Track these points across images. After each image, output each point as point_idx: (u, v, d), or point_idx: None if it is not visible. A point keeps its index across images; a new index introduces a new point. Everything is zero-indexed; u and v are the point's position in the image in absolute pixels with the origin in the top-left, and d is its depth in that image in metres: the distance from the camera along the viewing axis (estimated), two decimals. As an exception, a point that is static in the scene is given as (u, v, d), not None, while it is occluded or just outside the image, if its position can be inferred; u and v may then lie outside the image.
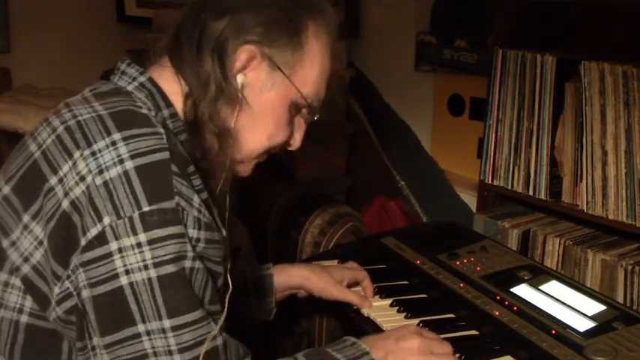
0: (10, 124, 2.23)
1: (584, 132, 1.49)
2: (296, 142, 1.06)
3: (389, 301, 1.29)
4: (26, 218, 0.88)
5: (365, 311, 1.25)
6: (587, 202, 1.49)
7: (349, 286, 1.33)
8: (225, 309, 0.92)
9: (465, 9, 2.18)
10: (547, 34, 1.76)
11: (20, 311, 0.89)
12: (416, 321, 1.20)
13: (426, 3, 2.29)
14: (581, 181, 1.51)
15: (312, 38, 0.99)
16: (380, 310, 1.27)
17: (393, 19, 2.46)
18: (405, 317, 1.23)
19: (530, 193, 1.63)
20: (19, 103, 2.31)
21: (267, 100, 0.98)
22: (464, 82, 2.20)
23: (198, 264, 0.87)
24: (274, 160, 1.10)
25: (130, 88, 0.96)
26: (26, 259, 0.88)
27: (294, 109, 1.02)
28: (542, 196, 1.60)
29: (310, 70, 1.00)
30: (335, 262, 1.47)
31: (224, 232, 0.96)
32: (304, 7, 0.98)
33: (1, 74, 2.63)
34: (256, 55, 0.96)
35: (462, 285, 1.34)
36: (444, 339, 1.14)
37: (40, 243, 0.87)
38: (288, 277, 1.31)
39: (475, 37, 2.13)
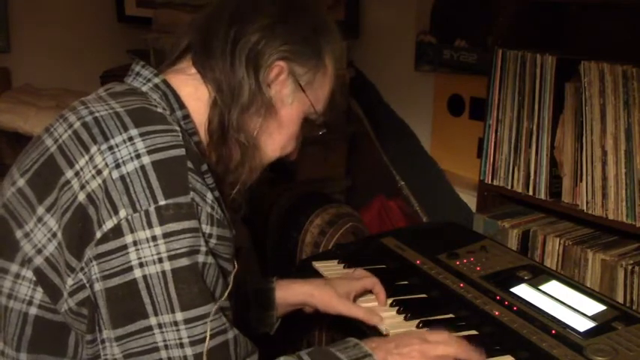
0: (10, 124, 2.23)
1: (584, 132, 1.49)
2: (295, 152, 1.11)
3: (389, 301, 1.29)
4: (40, 210, 0.89)
5: (382, 328, 1.20)
6: (587, 202, 1.50)
7: (359, 295, 1.30)
8: (230, 285, 0.93)
9: (465, 9, 2.18)
10: (547, 34, 1.76)
11: (30, 303, 0.90)
12: (416, 321, 1.20)
13: (426, 3, 2.29)
14: (581, 181, 1.51)
15: (327, 60, 1.06)
16: (379, 310, 1.26)
17: (393, 19, 2.46)
18: (405, 317, 1.23)
19: (530, 193, 1.63)
20: (19, 103, 2.31)
21: (287, 114, 1.03)
22: (464, 82, 2.20)
23: (210, 259, 0.88)
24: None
25: (144, 88, 0.98)
26: (39, 251, 0.89)
27: (304, 122, 1.07)
28: (542, 196, 1.60)
29: (322, 88, 1.07)
30: (334, 263, 1.47)
31: (233, 231, 0.97)
32: (322, 31, 1.05)
33: (1, 74, 2.63)
34: (285, 70, 1.01)
35: (462, 285, 1.34)
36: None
37: (54, 235, 0.88)
38: (290, 294, 1.29)
39: (475, 37, 2.13)
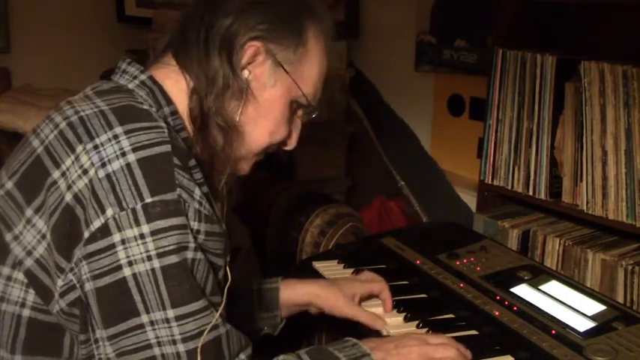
0: (10, 124, 2.23)
1: (584, 132, 1.49)
2: (292, 141, 1.08)
3: (389, 301, 1.29)
4: (29, 212, 0.89)
5: (384, 331, 1.20)
6: (587, 202, 1.49)
7: (365, 299, 1.28)
8: (224, 300, 0.93)
9: (465, 9, 2.18)
10: (547, 34, 1.76)
11: (22, 305, 0.90)
12: (416, 321, 1.20)
13: (426, 3, 2.29)
14: (581, 181, 1.51)
15: (312, 39, 1.02)
16: (384, 315, 1.25)
17: (393, 19, 2.46)
18: (405, 317, 1.23)
19: (530, 193, 1.63)
20: (18, 103, 2.31)
21: (270, 96, 1.01)
22: (464, 82, 2.20)
23: (199, 255, 0.88)
24: (274, 159, 1.11)
25: (130, 86, 0.97)
26: (29, 253, 0.89)
27: (294, 107, 1.05)
28: (542, 196, 1.60)
29: (309, 69, 1.03)
30: (334, 263, 1.47)
31: (223, 226, 0.97)
32: (304, 10, 1.02)
33: (1, 74, 2.63)
34: (261, 51, 0.99)
35: (462, 285, 1.34)
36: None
37: (43, 236, 0.87)
38: (295, 294, 1.28)
39: (475, 37, 2.13)
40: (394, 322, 1.22)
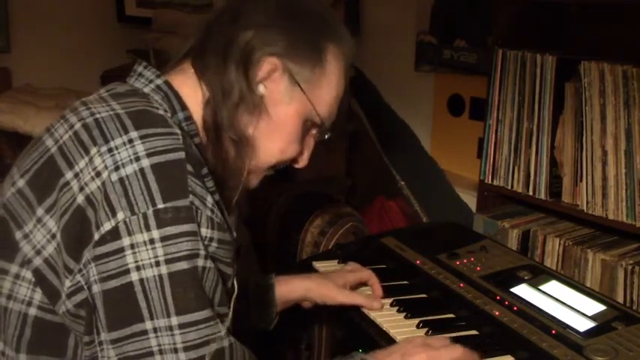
0: (10, 124, 2.23)
1: (584, 132, 1.49)
2: (304, 160, 1.08)
3: (389, 301, 1.29)
4: (40, 211, 0.89)
5: (371, 313, 1.24)
6: (587, 202, 1.50)
7: (354, 287, 1.32)
8: (231, 311, 0.93)
9: (465, 9, 2.18)
10: (547, 34, 1.76)
11: (29, 304, 0.90)
12: (416, 321, 1.21)
13: (426, 3, 2.29)
14: (581, 181, 1.51)
15: (331, 59, 1.02)
16: (380, 310, 1.26)
17: (393, 19, 2.46)
18: (405, 317, 1.23)
19: (530, 193, 1.63)
20: (19, 103, 2.31)
21: (284, 113, 1.00)
22: (464, 82, 2.20)
23: (209, 263, 0.87)
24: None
25: (146, 90, 0.97)
26: (38, 252, 0.89)
27: (307, 126, 1.04)
28: (542, 196, 1.60)
29: (326, 90, 1.03)
30: (334, 263, 1.47)
31: (234, 234, 0.97)
32: (325, 30, 1.02)
33: (1, 74, 2.63)
34: (278, 67, 0.98)
35: (461, 285, 1.34)
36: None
37: (53, 236, 0.87)
38: (289, 290, 1.31)
39: (475, 37, 2.13)
40: (394, 322, 1.22)
